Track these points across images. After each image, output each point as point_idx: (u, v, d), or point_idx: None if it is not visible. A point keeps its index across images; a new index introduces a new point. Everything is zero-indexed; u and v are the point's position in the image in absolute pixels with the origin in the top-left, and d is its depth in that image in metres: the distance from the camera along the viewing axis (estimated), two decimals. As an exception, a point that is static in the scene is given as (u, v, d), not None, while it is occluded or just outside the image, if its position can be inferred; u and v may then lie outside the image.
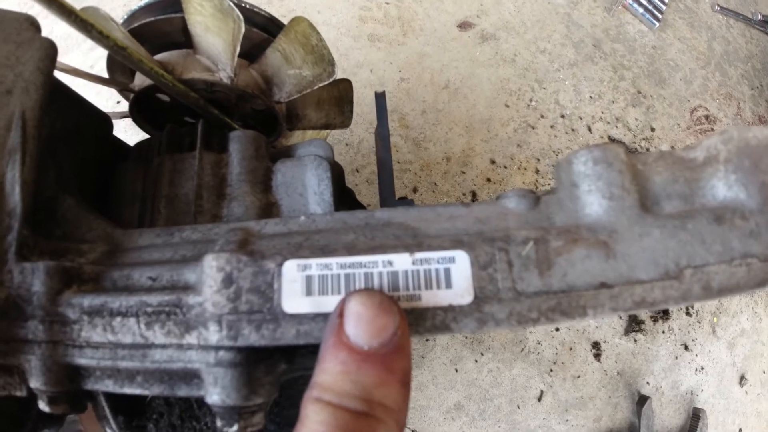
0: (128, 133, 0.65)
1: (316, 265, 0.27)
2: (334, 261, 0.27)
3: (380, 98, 0.54)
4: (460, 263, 0.26)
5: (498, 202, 0.32)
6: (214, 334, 0.27)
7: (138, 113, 0.57)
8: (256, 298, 0.26)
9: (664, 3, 1.45)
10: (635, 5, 1.42)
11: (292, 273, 0.27)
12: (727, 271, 0.27)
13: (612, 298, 0.26)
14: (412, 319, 0.26)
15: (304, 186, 0.45)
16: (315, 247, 0.28)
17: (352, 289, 0.26)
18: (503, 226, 0.30)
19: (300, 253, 0.27)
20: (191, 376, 0.29)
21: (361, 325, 0.24)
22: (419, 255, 0.27)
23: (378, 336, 0.24)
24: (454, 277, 0.26)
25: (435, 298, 0.26)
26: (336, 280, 0.27)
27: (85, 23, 0.39)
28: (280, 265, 0.27)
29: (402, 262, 0.27)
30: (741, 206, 0.28)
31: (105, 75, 0.57)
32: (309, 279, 0.27)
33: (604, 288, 0.26)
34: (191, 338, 0.27)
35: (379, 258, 0.27)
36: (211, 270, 0.27)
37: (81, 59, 1.10)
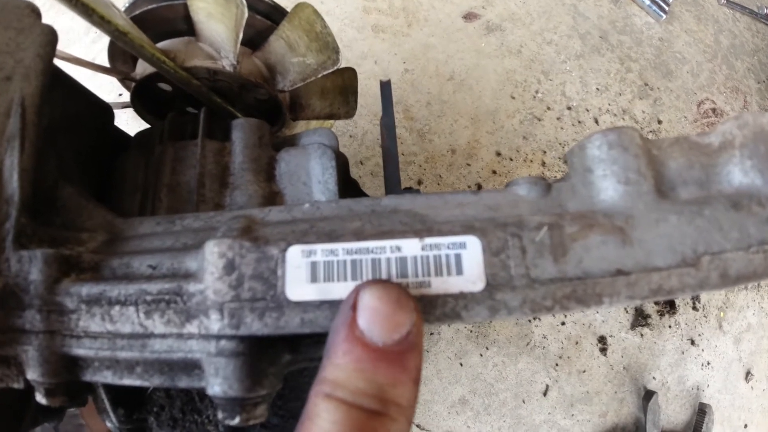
0: (130, 125, 0.64)
1: (321, 250, 0.26)
2: (340, 247, 0.26)
3: (385, 87, 0.54)
4: (472, 249, 0.26)
5: (508, 190, 0.31)
6: (215, 323, 0.26)
7: (139, 103, 0.56)
8: (259, 285, 0.26)
9: (671, -6, 1.43)
10: (642, -4, 1.41)
11: (297, 259, 0.26)
12: (744, 258, 0.26)
13: (629, 286, 0.26)
14: (422, 307, 0.25)
15: (309, 175, 0.44)
16: (320, 233, 0.27)
17: (359, 275, 0.25)
18: (515, 213, 0.29)
19: (305, 239, 0.26)
20: (192, 367, 0.29)
21: (377, 321, 0.23)
22: (429, 240, 0.26)
23: (394, 333, 0.23)
24: (465, 264, 0.25)
25: (445, 284, 0.25)
26: (342, 267, 0.26)
27: (86, 7, 0.39)
28: (284, 250, 0.26)
29: (411, 247, 0.26)
30: (757, 192, 0.27)
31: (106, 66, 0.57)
32: (314, 265, 0.26)
33: (620, 275, 0.26)
34: (192, 327, 0.27)
35: (387, 243, 0.26)
36: (212, 256, 0.26)
37: (83, 52, 1.09)
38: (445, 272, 0.25)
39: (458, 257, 0.25)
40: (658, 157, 0.30)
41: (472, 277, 0.25)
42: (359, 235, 0.26)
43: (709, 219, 0.27)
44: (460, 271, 0.25)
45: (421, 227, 0.27)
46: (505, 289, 0.25)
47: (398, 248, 0.26)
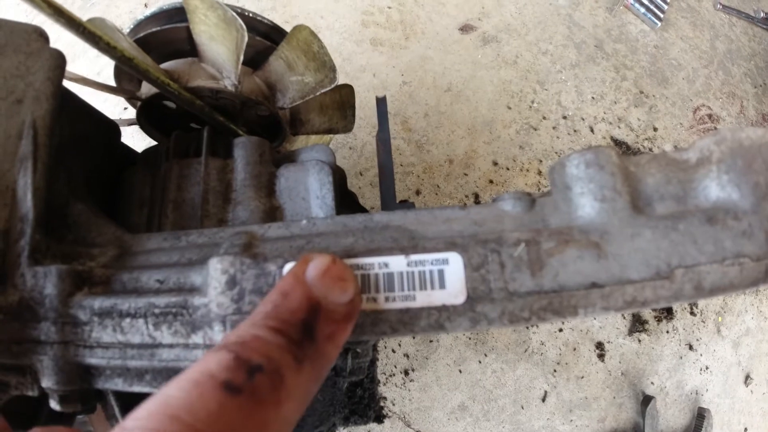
0: (135, 138, 0.66)
1: None
2: None
3: (381, 103, 0.55)
4: (454, 265, 0.27)
5: (494, 205, 0.32)
6: (218, 334, 0.28)
7: (145, 120, 0.58)
8: (259, 299, 0.27)
9: (666, 2, 1.45)
10: (637, 5, 1.42)
11: (293, 275, 0.28)
12: (719, 271, 0.27)
13: (603, 298, 0.27)
14: (408, 319, 0.27)
15: (307, 190, 0.46)
16: (315, 250, 0.29)
17: None
18: (498, 228, 0.30)
19: (300, 255, 0.28)
20: (197, 375, 0.30)
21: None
22: (414, 257, 0.28)
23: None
24: (448, 278, 0.27)
25: (429, 298, 0.27)
26: None
27: (93, 35, 0.40)
28: (281, 267, 0.28)
29: (397, 263, 0.28)
30: (734, 206, 0.28)
31: (112, 83, 0.59)
32: None
33: (595, 288, 0.27)
34: (197, 338, 0.28)
35: (376, 260, 0.28)
36: (215, 272, 0.28)
37: (88, 66, 1.12)
38: (429, 286, 0.27)
39: (441, 272, 0.27)
40: (635, 174, 0.30)
41: (454, 290, 0.27)
42: (350, 252, 0.28)
43: (684, 233, 0.28)
44: (443, 286, 0.27)
45: (408, 244, 0.28)
46: (484, 301, 0.27)
47: (386, 264, 0.28)
